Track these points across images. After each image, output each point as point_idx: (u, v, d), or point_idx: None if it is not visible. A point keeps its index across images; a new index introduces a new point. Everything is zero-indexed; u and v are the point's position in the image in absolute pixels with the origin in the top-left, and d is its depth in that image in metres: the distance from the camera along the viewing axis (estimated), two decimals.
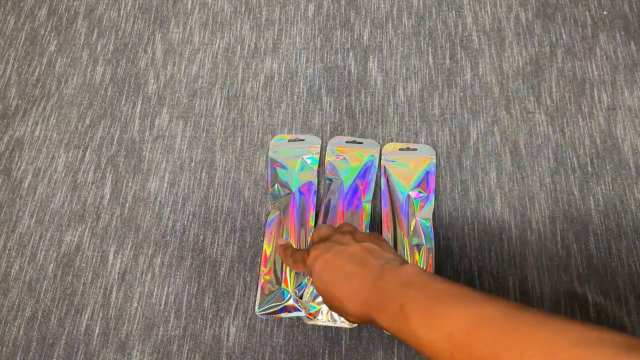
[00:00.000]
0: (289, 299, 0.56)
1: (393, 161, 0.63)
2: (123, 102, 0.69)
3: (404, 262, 0.43)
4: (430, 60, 0.70)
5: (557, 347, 0.30)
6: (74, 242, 0.62)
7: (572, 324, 0.31)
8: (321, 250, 0.45)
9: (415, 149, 0.64)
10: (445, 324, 0.36)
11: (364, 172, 0.63)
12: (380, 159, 0.64)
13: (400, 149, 0.64)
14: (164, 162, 0.66)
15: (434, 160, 0.63)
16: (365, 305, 0.41)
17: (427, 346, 0.36)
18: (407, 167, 0.63)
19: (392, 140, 0.65)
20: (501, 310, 0.34)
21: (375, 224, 0.61)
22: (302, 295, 0.57)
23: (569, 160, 0.63)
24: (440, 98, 0.67)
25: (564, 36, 0.71)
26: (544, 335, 0.31)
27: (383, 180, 0.62)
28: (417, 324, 0.37)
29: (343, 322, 0.56)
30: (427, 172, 0.62)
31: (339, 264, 0.43)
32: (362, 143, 0.65)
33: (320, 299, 0.56)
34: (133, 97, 0.70)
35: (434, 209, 0.61)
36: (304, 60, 0.71)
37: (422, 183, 0.62)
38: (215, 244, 0.61)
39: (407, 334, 0.38)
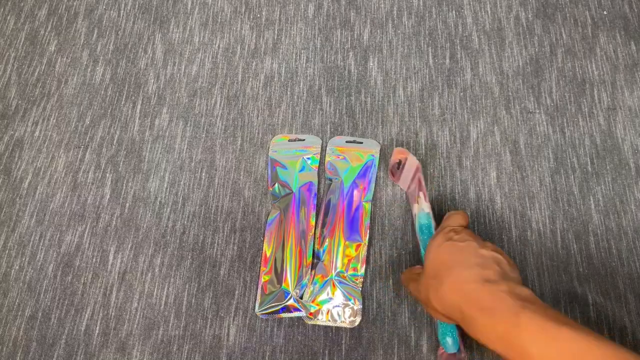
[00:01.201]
0: (289, 299, 0.56)
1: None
2: (123, 102, 0.69)
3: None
4: (430, 60, 0.70)
5: None
6: (74, 242, 0.62)
7: None
8: (457, 238, 0.47)
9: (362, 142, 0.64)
10: (563, 345, 0.37)
11: (364, 172, 0.63)
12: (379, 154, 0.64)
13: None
14: (164, 162, 0.66)
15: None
16: (463, 297, 0.42)
17: None
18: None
19: (392, 140, 0.65)
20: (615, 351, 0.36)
21: (377, 219, 0.61)
22: (303, 295, 0.57)
23: (569, 160, 0.63)
24: (440, 98, 0.68)
25: (564, 36, 0.71)
26: None
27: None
28: (530, 337, 0.37)
29: (343, 322, 0.56)
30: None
31: (465, 254, 0.45)
32: (362, 143, 0.65)
33: (320, 298, 0.57)
34: (133, 97, 0.70)
35: (434, 208, 0.61)
36: (304, 60, 0.71)
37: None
38: (215, 244, 0.61)
39: (513, 342, 0.38)
